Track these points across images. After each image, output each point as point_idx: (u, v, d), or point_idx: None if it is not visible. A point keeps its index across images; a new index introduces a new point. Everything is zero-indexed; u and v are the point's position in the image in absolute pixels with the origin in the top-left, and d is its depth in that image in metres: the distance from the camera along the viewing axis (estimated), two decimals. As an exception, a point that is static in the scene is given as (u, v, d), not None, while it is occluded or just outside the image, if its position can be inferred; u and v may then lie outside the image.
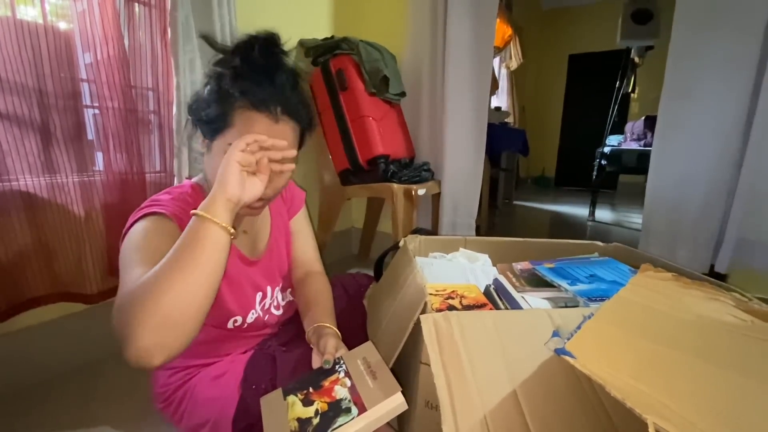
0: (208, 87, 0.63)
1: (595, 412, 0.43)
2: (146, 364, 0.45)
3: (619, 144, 3.27)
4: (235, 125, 0.60)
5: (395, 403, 0.52)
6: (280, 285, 0.81)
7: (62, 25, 0.94)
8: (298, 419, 0.52)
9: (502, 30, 3.94)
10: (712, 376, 0.33)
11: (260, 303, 0.75)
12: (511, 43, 4.22)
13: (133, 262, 0.51)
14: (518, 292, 0.83)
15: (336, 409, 0.52)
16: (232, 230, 0.52)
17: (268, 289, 0.77)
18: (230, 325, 0.70)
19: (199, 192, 0.68)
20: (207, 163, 0.65)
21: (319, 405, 0.53)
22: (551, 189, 5.37)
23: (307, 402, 0.54)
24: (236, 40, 0.63)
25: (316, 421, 0.51)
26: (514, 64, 4.40)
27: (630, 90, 3.52)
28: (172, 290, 0.45)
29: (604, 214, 3.46)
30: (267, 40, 0.62)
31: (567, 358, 0.36)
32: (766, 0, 1.13)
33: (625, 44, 2.90)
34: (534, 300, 0.80)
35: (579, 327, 0.42)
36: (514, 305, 0.75)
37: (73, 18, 0.94)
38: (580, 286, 0.81)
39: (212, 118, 0.61)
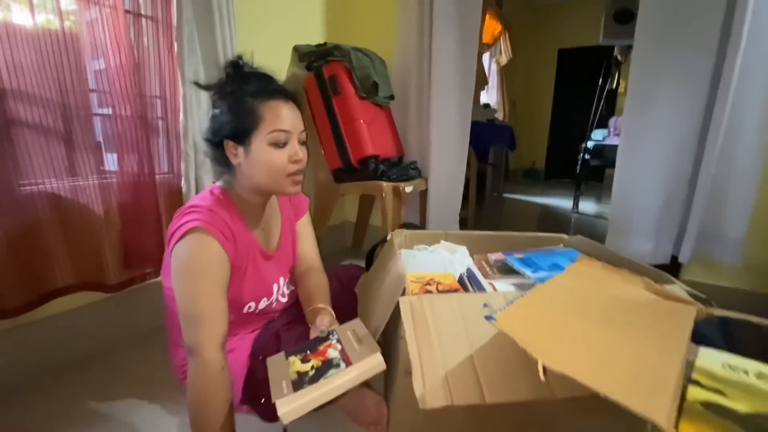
0: (219, 108, 0.75)
1: (530, 367, 0.56)
2: None
3: (604, 138, 3.39)
4: (264, 117, 0.73)
5: (375, 361, 0.65)
6: (288, 277, 0.93)
7: (76, 35, 1.03)
8: (297, 372, 0.65)
9: (492, 26, 4.02)
10: (601, 336, 0.46)
11: (276, 292, 0.88)
12: (501, 38, 4.30)
13: (200, 292, 0.69)
14: (489, 279, 0.95)
15: (328, 365, 0.65)
16: None
17: (281, 280, 0.90)
18: (245, 310, 0.82)
19: (229, 198, 0.79)
20: (248, 165, 0.76)
21: (315, 362, 0.67)
22: (541, 182, 5.51)
23: (305, 360, 0.68)
24: (223, 67, 0.78)
25: (312, 373, 0.64)
26: (504, 60, 4.50)
27: (614, 86, 3.63)
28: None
29: (588, 206, 3.60)
30: (240, 56, 0.79)
31: (492, 321, 0.49)
32: (719, 15, 1.25)
33: (608, 43, 3.01)
34: (501, 285, 0.92)
35: (511, 302, 0.55)
36: (481, 290, 0.87)
37: (85, 29, 1.03)
38: (542, 273, 0.93)
39: (240, 124, 0.73)
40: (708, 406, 0.38)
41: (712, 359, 0.46)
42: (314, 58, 1.58)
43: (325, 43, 1.63)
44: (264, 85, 0.76)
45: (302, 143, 0.79)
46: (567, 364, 0.40)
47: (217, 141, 0.77)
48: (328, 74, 1.54)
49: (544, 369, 0.40)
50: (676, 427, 0.35)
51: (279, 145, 0.74)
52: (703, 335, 0.50)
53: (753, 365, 0.45)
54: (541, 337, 0.46)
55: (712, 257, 1.40)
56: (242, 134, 0.74)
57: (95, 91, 1.09)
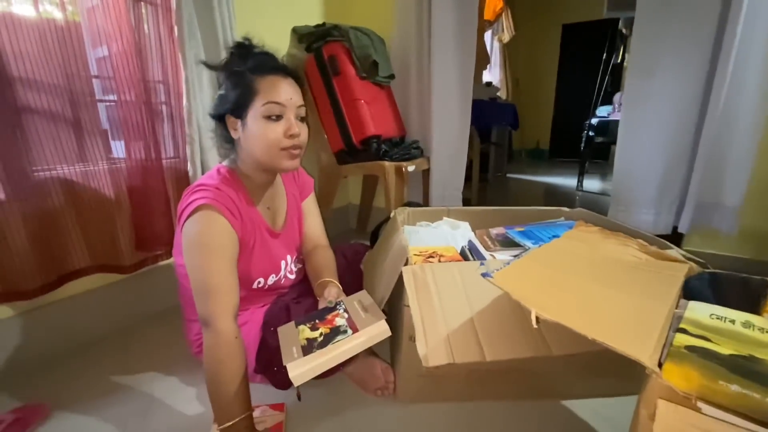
0: (224, 86, 0.78)
1: (529, 327, 0.59)
2: None
3: (609, 115, 3.35)
4: (260, 90, 0.75)
5: (381, 327, 0.68)
6: (296, 255, 0.96)
7: (78, 23, 1.05)
8: (307, 339, 0.69)
9: (494, 3, 3.94)
10: (594, 290, 0.48)
11: (284, 269, 0.91)
12: (503, 15, 4.22)
13: (212, 267, 0.72)
14: (490, 252, 0.98)
15: (336, 332, 0.69)
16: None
17: (288, 257, 0.93)
18: (255, 285, 0.86)
19: (235, 176, 0.82)
20: (246, 140, 0.78)
21: (323, 330, 0.70)
22: (545, 161, 5.46)
23: (313, 328, 0.71)
24: (228, 48, 0.84)
25: (320, 339, 0.68)
26: (506, 37, 4.42)
27: (620, 61, 3.57)
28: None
29: (593, 184, 3.58)
30: (248, 37, 0.81)
31: (488, 279, 0.51)
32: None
33: (612, 15, 2.94)
34: (502, 257, 0.95)
35: (507, 263, 0.58)
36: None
37: (86, 16, 1.05)
38: (542, 245, 0.96)
39: (238, 98, 0.76)
40: (692, 349, 0.40)
41: (700, 310, 0.48)
42: (313, 39, 1.58)
43: (323, 24, 1.63)
44: (264, 61, 0.78)
45: (301, 119, 0.80)
46: (559, 313, 0.43)
47: (219, 115, 0.80)
48: (327, 55, 1.53)
49: (537, 319, 0.42)
50: (660, 367, 0.38)
51: (272, 117, 0.75)
52: (693, 291, 0.52)
53: (740, 315, 0.47)
54: (535, 291, 0.48)
55: (710, 226, 1.41)
56: (240, 107, 0.76)
57: (99, 77, 1.11)
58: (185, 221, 0.74)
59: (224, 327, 0.71)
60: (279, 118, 0.76)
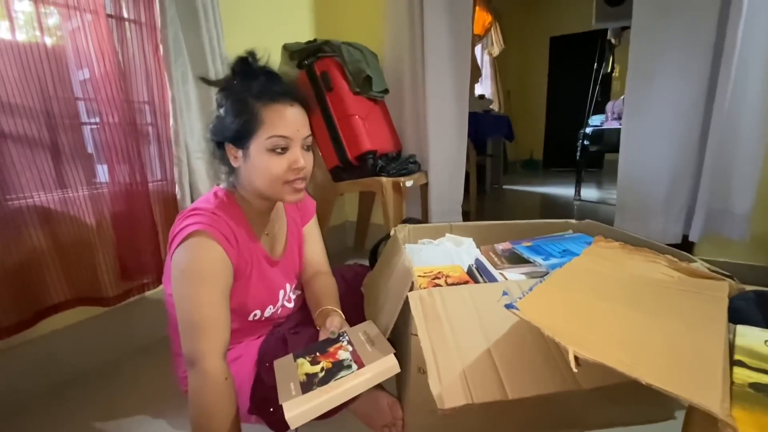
0: (224, 108, 0.71)
1: (554, 358, 0.53)
2: None
3: (601, 123, 3.35)
4: (265, 120, 0.68)
5: (389, 363, 0.61)
6: (295, 283, 0.90)
7: (59, 45, 1.00)
8: (306, 374, 0.61)
9: (483, 17, 3.99)
10: (631, 318, 0.43)
11: (281, 298, 0.84)
12: (492, 29, 4.28)
13: (200, 298, 0.65)
14: (498, 269, 0.92)
15: (339, 366, 0.62)
16: None
17: (287, 286, 0.86)
18: (250, 317, 0.79)
19: (233, 201, 0.75)
20: (247, 170, 0.72)
21: (325, 364, 0.63)
22: (540, 172, 5.47)
23: (314, 362, 0.64)
24: (230, 64, 0.72)
25: (321, 374, 0.61)
26: (496, 51, 4.47)
27: (609, 70, 3.59)
28: None
29: (590, 192, 3.56)
30: (252, 52, 0.72)
31: (513, 311, 0.45)
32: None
33: (600, 26, 2.97)
34: (512, 275, 0.89)
35: (531, 289, 0.52)
36: (492, 281, 0.84)
37: (68, 37, 1.00)
38: (553, 260, 0.90)
39: (241, 127, 0.69)
40: (758, 387, 0.34)
41: (752, 337, 0.42)
42: (305, 56, 1.55)
43: (314, 40, 1.60)
44: (269, 86, 0.71)
45: (307, 148, 0.74)
46: (601, 352, 0.36)
47: (218, 142, 0.73)
48: (319, 71, 1.50)
49: (576, 359, 0.36)
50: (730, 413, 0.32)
51: (278, 151, 0.69)
52: (739, 313, 0.47)
53: (797, 341, 0.41)
54: (568, 324, 0.42)
55: (720, 234, 1.37)
56: (242, 138, 0.70)
57: (81, 99, 1.06)
58: (176, 248, 0.67)
59: (213, 367, 0.63)
60: (284, 150, 0.70)
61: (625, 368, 0.34)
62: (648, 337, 0.39)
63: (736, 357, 0.39)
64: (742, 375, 0.36)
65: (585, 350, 0.36)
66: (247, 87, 0.70)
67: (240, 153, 0.72)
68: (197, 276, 0.66)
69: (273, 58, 1.64)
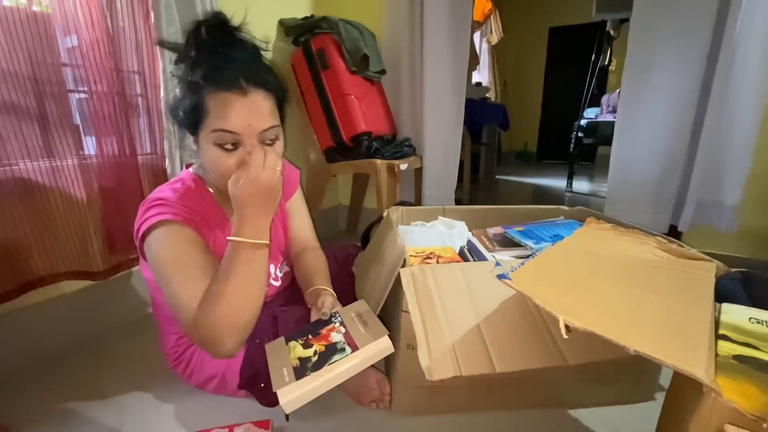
0: (178, 87, 0.66)
1: (542, 335, 0.53)
2: (229, 357, 0.65)
3: (596, 116, 3.36)
4: (210, 111, 0.61)
5: (383, 345, 0.61)
6: (280, 262, 0.88)
7: (47, 10, 0.96)
8: (299, 358, 0.61)
9: (483, 4, 3.93)
10: (621, 292, 0.43)
11: (268, 278, 0.83)
12: (492, 17, 4.22)
13: (181, 279, 0.63)
14: (490, 252, 0.92)
15: (332, 350, 0.61)
16: (267, 241, 0.63)
17: (272, 267, 0.85)
18: None
19: (201, 186, 0.73)
20: (202, 159, 0.68)
21: (318, 347, 0.63)
22: (533, 163, 5.48)
23: (306, 345, 0.64)
24: (193, 22, 0.62)
25: (314, 359, 0.60)
26: (494, 39, 4.42)
27: (607, 63, 3.59)
28: (246, 311, 0.62)
29: (582, 185, 3.59)
30: (213, 20, 0.62)
31: (505, 281, 0.46)
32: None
33: (600, 17, 2.95)
34: (503, 258, 0.90)
35: (522, 263, 0.52)
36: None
37: (55, 1, 0.96)
38: (544, 245, 0.90)
39: (189, 113, 0.63)
40: (742, 359, 0.35)
41: (737, 314, 0.43)
42: (301, 32, 1.51)
43: (312, 16, 1.56)
44: (219, 68, 0.60)
45: (270, 142, 0.65)
46: (590, 320, 0.37)
47: (176, 123, 0.69)
48: (316, 48, 1.47)
49: (567, 328, 0.36)
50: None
51: (226, 147, 0.62)
52: (725, 292, 0.47)
53: (780, 319, 0.42)
54: (559, 296, 0.42)
55: (709, 225, 1.39)
56: (189, 125, 0.65)
57: (68, 66, 1.02)
58: (142, 241, 0.66)
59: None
60: (235, 146, 0.62)
61: (615, 336, 0.34)
62: (637, 310, 0.39)
63: (721, 332, 0.40)
64: (726, 348, 0.37)
65: (576, 319, 0.36)
66: (197, 65, 0.61)
67: (192, 139, 0.67)
68: (171, 260, 0.63)
69: (269, 34, 1.56)
